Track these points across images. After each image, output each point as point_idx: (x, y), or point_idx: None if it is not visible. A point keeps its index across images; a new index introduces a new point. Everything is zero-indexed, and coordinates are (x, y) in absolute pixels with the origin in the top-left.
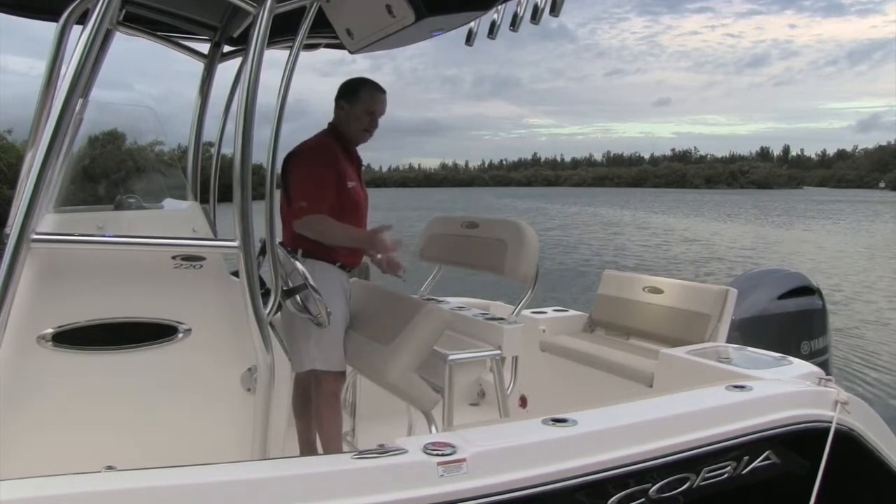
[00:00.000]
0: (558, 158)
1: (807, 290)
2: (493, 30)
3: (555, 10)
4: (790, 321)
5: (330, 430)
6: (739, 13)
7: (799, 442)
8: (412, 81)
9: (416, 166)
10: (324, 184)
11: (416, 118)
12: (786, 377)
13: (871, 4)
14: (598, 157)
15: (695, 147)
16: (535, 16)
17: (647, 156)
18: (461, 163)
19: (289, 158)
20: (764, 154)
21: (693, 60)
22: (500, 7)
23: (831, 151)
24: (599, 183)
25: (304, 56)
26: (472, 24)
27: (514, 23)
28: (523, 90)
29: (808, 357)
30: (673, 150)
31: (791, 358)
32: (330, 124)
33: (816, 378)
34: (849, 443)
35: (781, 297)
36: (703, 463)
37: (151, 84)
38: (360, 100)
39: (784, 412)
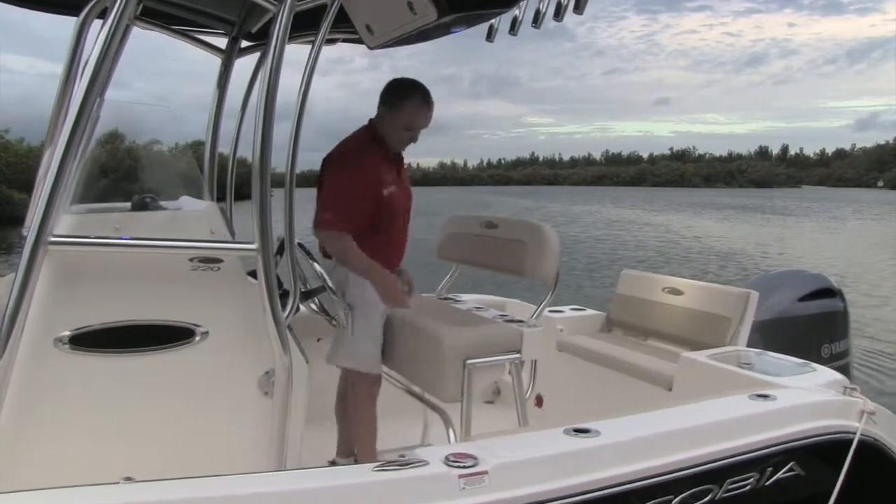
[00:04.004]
0: (557, 157)
1: (828, 291)
2: (514, 26)
3: (579, 7)
4: (811, 323)
5: (362, 435)
6: (738, 12)
7: (824, 453)
8: None
9: (415, 165)
10: (352, 198)
11: None
12: (810, 385)
13: (871, 3)
14: (596, 156)
15: (693, 146)
16: (559, 13)
17: (645, 155)
18: (460, 162)
19: (325, 162)
20: (763, 153)
21: (692, 59)
22: (522, 4)
23: (830, 150)
24: (598, 182)
25: (296, 52)
26: (493, 20)
27: (537, 19)
28: (522, 89)
29: (828, 360)
30: (671, 148)
31: (815, 364)
32: (371, 122)
33: (841, 387)
34: (875, 454)
35: (802, 298)
36: (727, 475)
37: (151, 82)
38: (402, 111)
39: (809, 423)
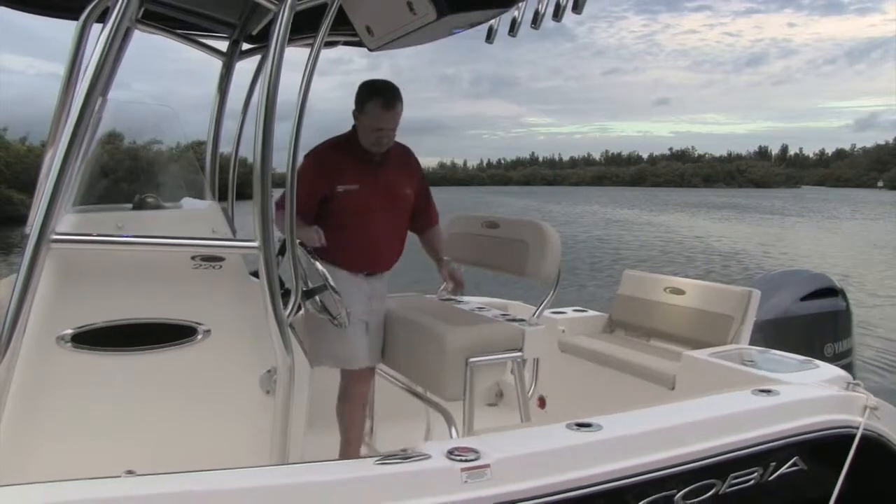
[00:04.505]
0: (556, 157)
1: (830, 291)
2: (513, 27)
3: (577, 7)
4: (814, 323)
5: (345, 431)
6: (738, 12)
7: (828, 448)
8: (410, 80)
9: None
10: (307, 188)
11: (414, 117)
12: (813, 381)
13: (870, 3)
14: (596, 156)
15: (693, 146)
16: (558, 13)
17: (645, 155)
18: (459, 162)
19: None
20: (762, 153)
21: (691, 59)
22: (521, 4)
23: (830, 150)
24: (598, 182)
25: (298, 54)
26: (492, 21)
27: (536, 20)
28: (521, 89)
29: (832, 359)
30: (671, 149)
31: (817, 361)
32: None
33: (844, 382)
34: (878, 449)
35: (804, 298)
36: (730, 469)
37: (149, 83)
38: (365, 113)
39: (812, 417)
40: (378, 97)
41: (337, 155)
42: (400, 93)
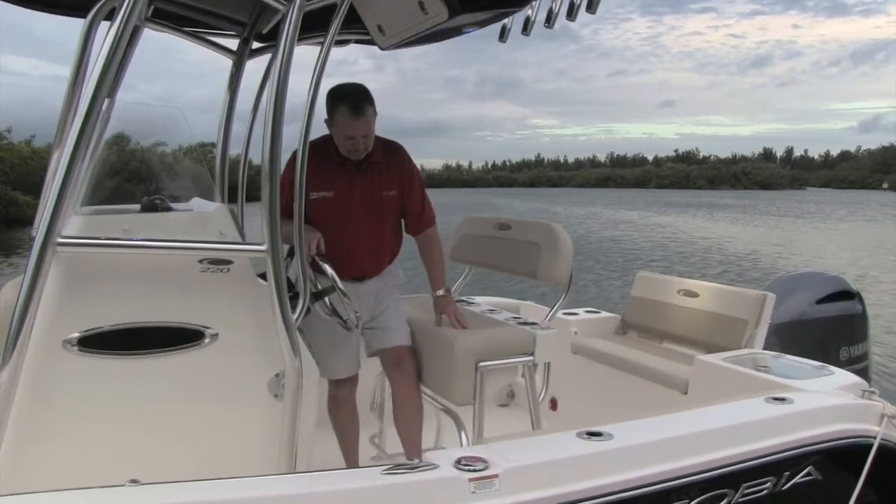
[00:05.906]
0: (561, 159)
1: (846, 294)
2: (527, 26)
3: (591, 7)
4: (829, 326)
5: (338, 435)
6: (743, 13)
7: (843, 458)
8: (414, 81)
9: (420, 167)
10: (285, 192)
11: (419, 119)
12: (827, 388)
13: (875, 5)
14: (601, 157)
15: (697, 148)
16: (572, 12)
17: (650, 156)
18: (464, 163)
19: None
20: (767, 155)
21: (696, 61)
22: (534, 3)
23: (834, 152)
24: (603, 184)
25: (307, 55)
26: (505, 20)
27: (549, 19)
28: (526, 90)
29: (847, 363)
30: (676, 150)
31: (832, 367)
32: None
33: (860, 390)
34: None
35: (820, 301)
36: (743, 479)
37: (153, 84)
38: (335, 123)
39: (827, 426)
40: (344, 104)
41: (313, 160)
42: (369, 95)
